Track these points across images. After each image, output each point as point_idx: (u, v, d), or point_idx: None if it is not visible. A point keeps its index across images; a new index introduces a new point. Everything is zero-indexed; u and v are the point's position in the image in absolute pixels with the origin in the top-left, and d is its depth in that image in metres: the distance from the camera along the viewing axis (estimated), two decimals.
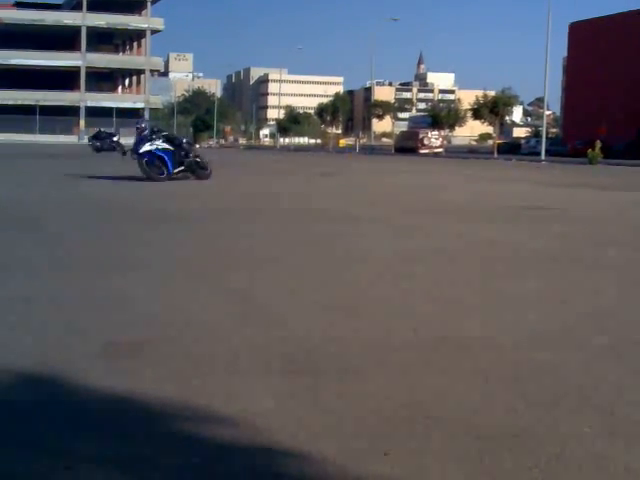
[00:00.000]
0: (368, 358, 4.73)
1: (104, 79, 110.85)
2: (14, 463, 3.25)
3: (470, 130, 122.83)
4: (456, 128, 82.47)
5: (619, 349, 5.04)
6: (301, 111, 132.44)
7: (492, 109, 69.10)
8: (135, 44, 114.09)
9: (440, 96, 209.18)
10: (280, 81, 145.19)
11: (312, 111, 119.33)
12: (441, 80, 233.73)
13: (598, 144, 49.07)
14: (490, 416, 3.79)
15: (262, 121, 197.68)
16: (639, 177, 33.73)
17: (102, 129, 64.78)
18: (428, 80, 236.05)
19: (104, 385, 4.18)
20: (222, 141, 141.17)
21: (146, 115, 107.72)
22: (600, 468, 3.24)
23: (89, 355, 4.73)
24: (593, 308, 6.32)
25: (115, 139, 57.35)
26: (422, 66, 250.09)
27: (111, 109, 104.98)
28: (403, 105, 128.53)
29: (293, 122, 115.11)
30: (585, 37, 77.30)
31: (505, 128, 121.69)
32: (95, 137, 59.60)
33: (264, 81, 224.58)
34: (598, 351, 4.99)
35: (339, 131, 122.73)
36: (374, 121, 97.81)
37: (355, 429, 3.61)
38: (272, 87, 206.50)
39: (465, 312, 6.08)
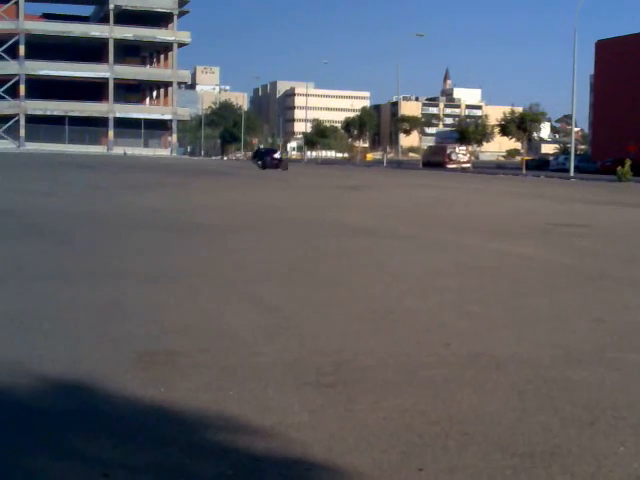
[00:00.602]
0: (401, 372, 4.73)
1: (132, 91, 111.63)
2: (52, 470, 3.27)
3: (498, 146, 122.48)
4: (483, 144, 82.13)
5: None
6: (328, 125, 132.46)
7: (520, 125, 68.79)
8: (162, 57, 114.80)
9: (467, 112, 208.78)
10: (307, 95, 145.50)
11: (339, 125, 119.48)
12: (468, 95, 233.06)
13: (628, 162, 48.77)
14: (525, 434, 3.77)
15: (289, 134, 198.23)
16: None
17: (261, 146, 61.81)
18: (455, 95, 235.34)
19: (140, 394, 4.20)
20: (249, 154, 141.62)
21: (174, 127, 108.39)
22: None
23: (124, 364, 4.76)
24: (626, 326, 6.28)
25: (277, 156, 54.89)
26: (448, 81, 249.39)
27: (139, 120, 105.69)
28: (430, 120, 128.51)
29: (320, 136, 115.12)
30: (612, 55, 76.90)
31: (533, 144, 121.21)
32: (256, 155, 56.94)
33: (291, 94, 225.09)
34: (632, 369, 4.95)
35: (366, 145, 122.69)
36: (401, 136, 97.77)
37: (389, 444, 3.61)
38: (299, 101, 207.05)
39: (498, 328, 6.06)
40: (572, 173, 57.99)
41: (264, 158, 55.22)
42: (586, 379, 4.70)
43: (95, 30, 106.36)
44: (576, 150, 73.18)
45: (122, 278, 7.90)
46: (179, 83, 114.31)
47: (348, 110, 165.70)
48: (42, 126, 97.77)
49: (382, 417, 3.95)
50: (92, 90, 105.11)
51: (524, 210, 20.46)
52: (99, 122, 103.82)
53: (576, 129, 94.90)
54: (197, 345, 5.26)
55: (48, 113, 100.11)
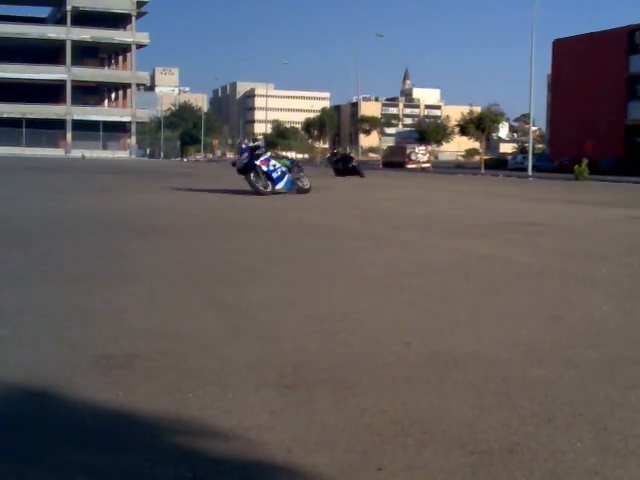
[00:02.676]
0: (362, 372, 4.73)
1: (90, 93, 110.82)
2: (6, 477, 3.23)
3: (457, 145, 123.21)
4: (443, 143, 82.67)
5: (610, 365, 5.06)
6: (288, 126, 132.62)
7: (478, 125, 69.31)
8: (120, 58, 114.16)
9: (426, 112, 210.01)
10: (267, 96, 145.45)
11: (299, 126, 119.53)
12: (427, 96, 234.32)
13: (585, 160, 49.40)
14: (484, 431, 3.79)
15: (249, 135, 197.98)
16: (625, 193, 33.92)
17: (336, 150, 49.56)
18: (414, 95, 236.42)
19: (97, 398, 4.17)
20: (209, 155, 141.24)
21: (133, 129, 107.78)
22: None
23: (82, 368, 4.71)
24: (584, 323, 6.34)
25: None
26: (408, 81, 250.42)
27: (98, 122, 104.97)
28: (390, 120, 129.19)
29: (280, 137, 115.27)
30: (569, 54, 77.74)
31: (491, 144, 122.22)
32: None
33: (251, 96, 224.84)
34: (590, 367, 5.00)
35: (326, 146, 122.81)
36: (361, 136, 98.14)
37: (349, 444, 3.61)
38: (259, 102, 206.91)
39: (458, 327, 6.09)
40: (530, 172, 58.59)
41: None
42: (544, 376, 4.75)
43: (52, 32, 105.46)
44: (534, 149, 73.88)
45: (81, 281, 7.83)
46: (138, 85, 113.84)
47: (308, 111, 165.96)
48: None
49: (342, 417, 3.96)
50: (50, 92, 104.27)
51: (484, 209, 20.62)
52: (57, 125, 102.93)
53: (534, 128, 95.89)
54: (156, 348, 5.22)
55: (5, 116, 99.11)
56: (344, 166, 43.33)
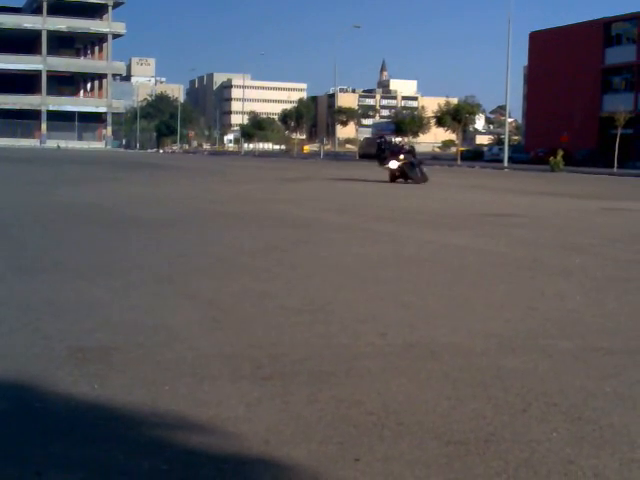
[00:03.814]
0: (338, 364, 4.74)
1: (65, 83, 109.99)
2: None
3: (433, 137, 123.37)
4: (419, 135, 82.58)
5: (585, 355, 5.10)
6: (265, 117, 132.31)
7: (455, 117, 69.35)
8: (97, 48, 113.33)
9: (403, 103, 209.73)
10: (243, 87, 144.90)
11: (276, 117, 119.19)
12: (404, 87, 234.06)
13: (560, 152, 49.63)
14: (459, 422, 3.81)
15: (226, 126, 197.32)
16: (599, 185, 34.13)
17: None
18: (391, 87, 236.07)
19: (73, 391, 4.14)
20: (186, 146, 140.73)
21: (108, 119, 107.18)
22: (568, 473, 3.28)
23: (57, 361, 4.69)
24: (559, 314, 6.38)
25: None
26: (385, 73, 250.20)
27: (73, 113, 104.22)
28: (367, 112, 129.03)
29: (257, 128, 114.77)
30: (545, 46, 77.89)
31: (468, 135, 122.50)
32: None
33: (227, 86, 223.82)
34: (564, 357, 5.04)
35: (303, 137, 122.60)
36: (338, 127, 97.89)
37: (326, 435, 3.61)
38: (236, 93, 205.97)
39: (434, 318, 6.11)
40: (506, 163, 58.81)
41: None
42: (519, 367, 4.77)
43: (28, 21, 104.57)
44: (510, 141, 74.12)
45: (56, 274, 7.78)
46: (114, 75, 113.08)
47: (285, 102, 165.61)
48: None
49: (319, 409, 3.96)
50: (25, 82, 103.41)
51: (461, 200, 20.67)
52: (32, 115, 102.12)
53: (510, 120, 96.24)
54: (131, 340, 5.20)
55: None
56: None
